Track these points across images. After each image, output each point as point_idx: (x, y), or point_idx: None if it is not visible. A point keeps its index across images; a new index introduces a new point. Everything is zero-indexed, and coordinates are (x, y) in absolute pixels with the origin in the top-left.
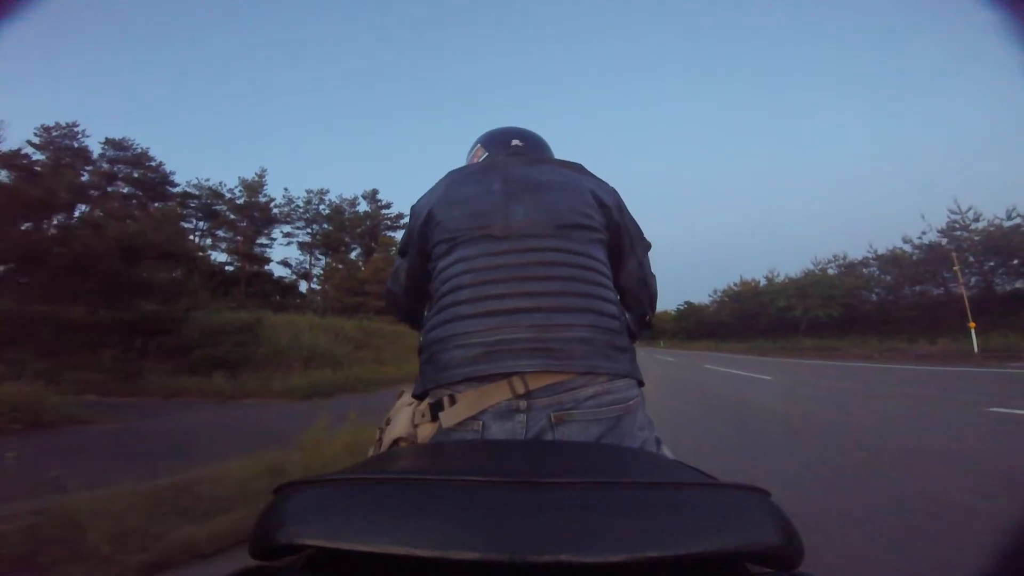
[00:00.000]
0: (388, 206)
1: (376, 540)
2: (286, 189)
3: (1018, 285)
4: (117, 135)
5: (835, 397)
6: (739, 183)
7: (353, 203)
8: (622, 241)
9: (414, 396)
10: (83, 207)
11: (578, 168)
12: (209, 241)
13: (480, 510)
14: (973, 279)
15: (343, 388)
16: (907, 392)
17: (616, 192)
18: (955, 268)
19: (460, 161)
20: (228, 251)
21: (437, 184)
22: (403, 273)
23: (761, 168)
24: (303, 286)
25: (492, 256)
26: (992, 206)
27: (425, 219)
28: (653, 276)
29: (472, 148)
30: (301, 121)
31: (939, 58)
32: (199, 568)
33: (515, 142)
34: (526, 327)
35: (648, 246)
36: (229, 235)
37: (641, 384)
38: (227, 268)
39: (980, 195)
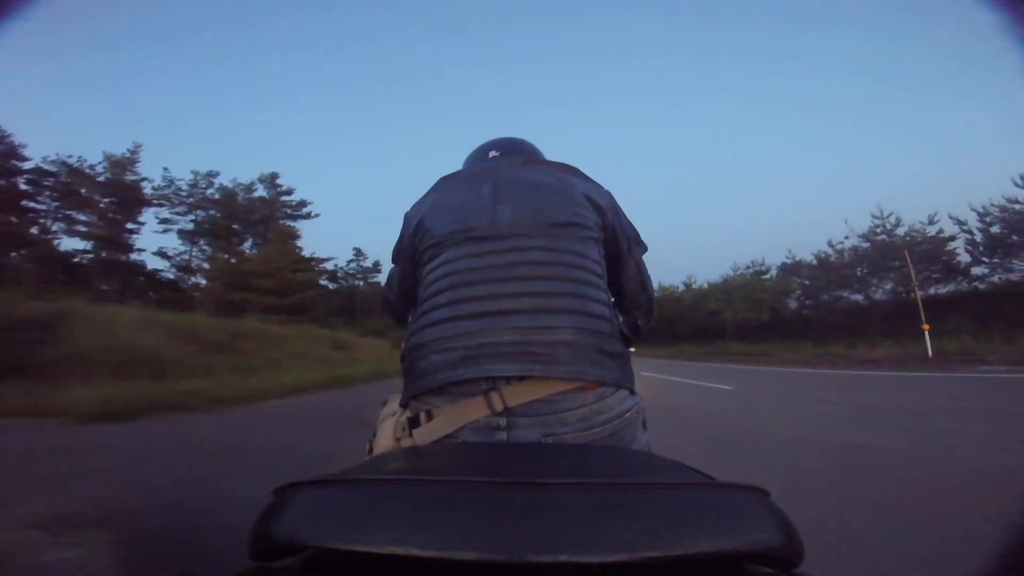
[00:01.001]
0: (290, 192)
1: (376, 540)
2: (166, 169)
3: (932, 292)
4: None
5: (840, 410)
6: (657, 189)
7: (250, 188)
8: (619, 244)
9: (401, 405)
10: None
11: (571, 170)
12: (63, 225)
13: (480, 510)
14: (890, 285)
15: (164, 407)
16: (929, 403)
17: (611, 195)
18: (909, 270)
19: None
20: (86, 236)
21: (429, 191)
22: (396, 280)
23: (677, 176)
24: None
25: (474, 258)
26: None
27: (415, 228)
28: (649, 278)
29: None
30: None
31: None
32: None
33: (492, 153)
34: (507, 330)
35: (644, 248)
36: (92, 219)
37: (633, 393)
38: (84, 257)
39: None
